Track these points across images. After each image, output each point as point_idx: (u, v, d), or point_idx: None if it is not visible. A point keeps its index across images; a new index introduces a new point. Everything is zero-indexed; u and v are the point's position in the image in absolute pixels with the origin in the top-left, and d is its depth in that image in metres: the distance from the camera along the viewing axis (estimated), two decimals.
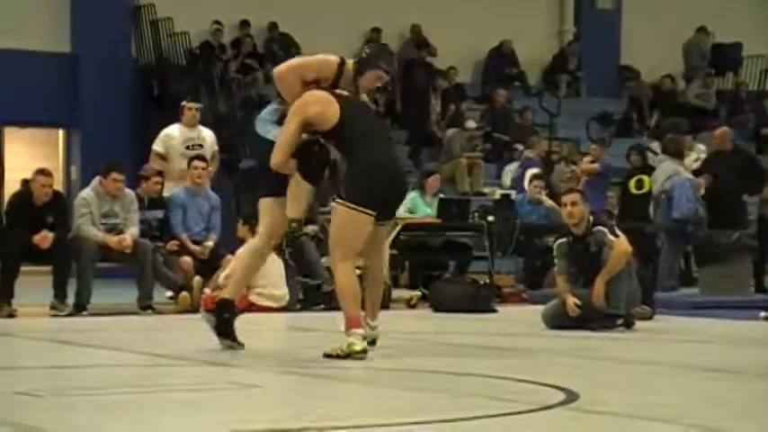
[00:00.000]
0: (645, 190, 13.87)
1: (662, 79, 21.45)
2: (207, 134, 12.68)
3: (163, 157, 12.29)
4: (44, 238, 10.45)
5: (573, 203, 9.03)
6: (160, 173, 12.05)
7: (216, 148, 12.70)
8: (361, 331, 6.81)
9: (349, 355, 6.66)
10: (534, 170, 15.33)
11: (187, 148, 12.37)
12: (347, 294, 6.82)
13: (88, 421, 4.60)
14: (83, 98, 18.32)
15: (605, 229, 8.92)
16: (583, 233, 9.00)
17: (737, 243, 13.15)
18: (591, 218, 9.06)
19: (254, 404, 5.26)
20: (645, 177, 13.98)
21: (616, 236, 8.91)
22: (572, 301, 8.92)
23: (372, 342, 7.07)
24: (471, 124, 18.26)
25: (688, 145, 15.14)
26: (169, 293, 11.45)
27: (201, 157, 12.12)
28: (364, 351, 6.73)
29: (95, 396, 5.44)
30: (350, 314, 6.80)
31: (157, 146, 12.41)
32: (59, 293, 10.56)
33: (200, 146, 12.47)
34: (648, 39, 21.67)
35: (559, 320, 9.01)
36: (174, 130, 12.56)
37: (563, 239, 9.19)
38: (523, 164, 15.92)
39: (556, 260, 9.27)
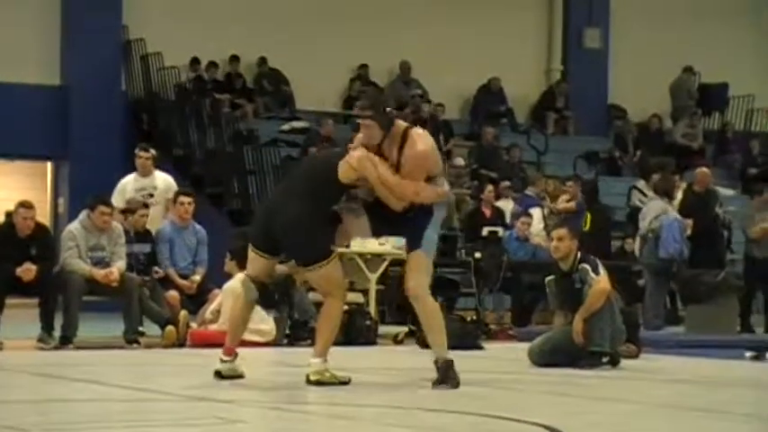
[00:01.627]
0: (586, 228, 13.90)
1: (649, 118, 21.56)
2: (160, 181, 12.46)
3: (124, 211, 11.90)
4: (27, 271, 10.44)
5: (559, 238, 9.08)
6: (146, 205, 12.00)
7: (169, 195, 12.25)
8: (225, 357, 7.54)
9: None
10: (536, 210, 15.23)
11: (141, 197, 12.23)
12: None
13: None
14: (72, 131, 18.36)
15: (588, 267, 8.96)
16: (569, 269, 9.04)
17: (723, 282, 13.20)
18: (578, 254, 9.10)
19: None
20: (588, 215, 14.04)
21: (597, 273, 8.94)
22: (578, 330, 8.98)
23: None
24: (460, 161, 18.30)
25: (677, 185, 15.21)
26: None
27: (187, 193, 12.10)
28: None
29: (82, 431, 5.42)
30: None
31: (115, 200, 12.08)
32: (46, 326, 10.54)
33: (151, 195, 12.32)
34: (636, 78, 21.80)
35: (546, 357, 9.03)
36: (127, 181, 12.43)
37: (551, 276, 9.25)
38: (523, 201, 15.84)
39: (549, 297, 9.34)
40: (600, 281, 8.87)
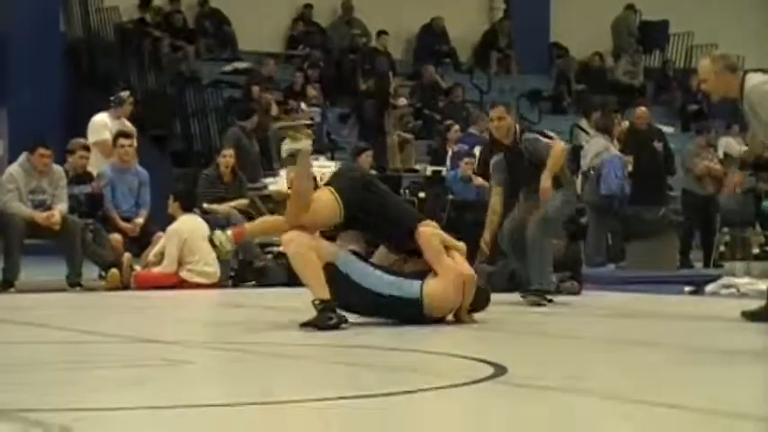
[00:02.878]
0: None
1: (591, 56, 21.65)
2: (130, 126, 12.46)
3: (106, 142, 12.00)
4: None
5: (500, 118, 9.02)
6: (86, 147, 11.87)
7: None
8: None
9: None
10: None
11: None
12: None
13: (18, 399, 4.60)
14: (10, 73, 18.09)
15: (536, 135, 8.98)
16: (512, 143, 9.02)
17: (663, 219, 13.37)
18: (517, 127, 9.09)
19: (187, 381, 5.28)
20: None
21: (549, 137, 9.00)
22: (487, 239, 9.07)
23: None
24: (402, 101, 18.30)
25: (618, 122, 15.31)
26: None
27: (127, 134, 12.01)
28: None
29: (27, 373, 5.42)
30: None
31: (103, 135, 12.09)
32: None
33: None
34: (577, 16, 21.85)
35: (516, 241, 9.08)
36: (106, 120, 12.34)
37: (497, 157, 9.21)
38: (468, 140, 15.83)
39: (492, 176, 9.33)
40: (557, 142, 8.94)
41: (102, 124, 12.34)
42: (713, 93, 7.58)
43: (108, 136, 12.15)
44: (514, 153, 9.02)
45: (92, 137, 12.21)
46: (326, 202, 7.10)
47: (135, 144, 11.99)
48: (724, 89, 7.44)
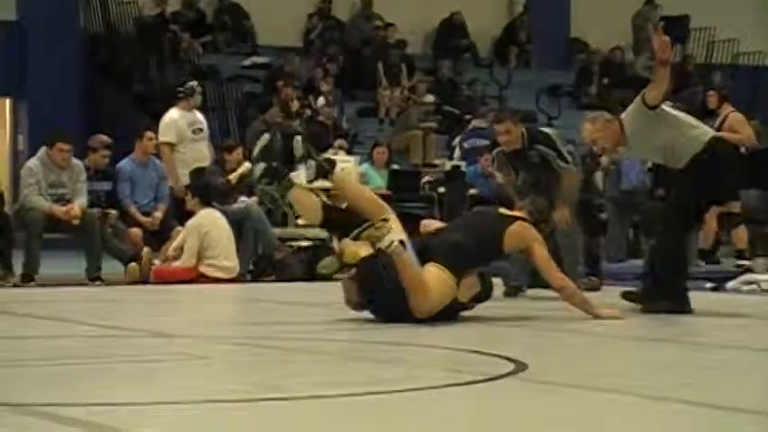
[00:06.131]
0: None
1: (611, 51, 21.56)
2: (201, 116, 12.30)
3: (171, 144, 11.84)
4: None
5: (507, 131, 8.95)
6: (108, 146, 11.75)
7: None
8: None
9: None
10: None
11: (193, 132, 12.06)
12: None
13: (38, 393, 4.59)
14: (30, 67, 18.14)
15: (554, 154, 8.95)
16: (520, 147, 8.99)
17: None
18: (524, 132, 9.02)
19: (205, 375, 5.27)
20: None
21: (566, 161, 8.99)
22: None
23: None
24: (429, 98, 18.25)
25: None
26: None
27: (151, 128, 11.97)
28: None
29: (44, 367, 5.42)
30: None
31: (168, 136, 11.87)
32: (5, 264, 10.49)
33: (201, 129, 12.16)
34: (598, 11, 21.78)
35: None
36: (175, 116, 12.02)
37: (499, 149, 9.21)
38: (476, 133, 15.65)
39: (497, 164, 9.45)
40: (570, 172, 8.98)
41: (169, 122, 11.96)
42: (609, 145, 8.08)
43: (168, 138, 11.85)
44: (519, 154, 9.00)
45: (160, 137, 11.89)
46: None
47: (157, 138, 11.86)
48: (614, 139, 7.87)
